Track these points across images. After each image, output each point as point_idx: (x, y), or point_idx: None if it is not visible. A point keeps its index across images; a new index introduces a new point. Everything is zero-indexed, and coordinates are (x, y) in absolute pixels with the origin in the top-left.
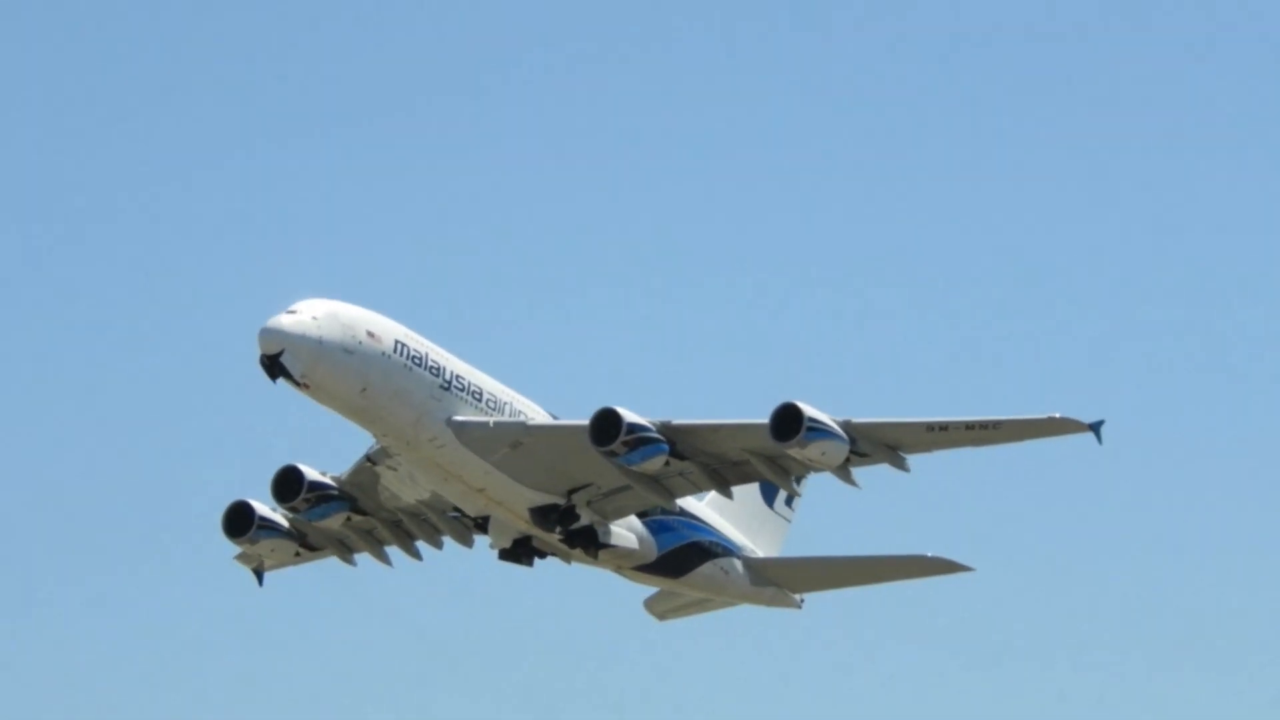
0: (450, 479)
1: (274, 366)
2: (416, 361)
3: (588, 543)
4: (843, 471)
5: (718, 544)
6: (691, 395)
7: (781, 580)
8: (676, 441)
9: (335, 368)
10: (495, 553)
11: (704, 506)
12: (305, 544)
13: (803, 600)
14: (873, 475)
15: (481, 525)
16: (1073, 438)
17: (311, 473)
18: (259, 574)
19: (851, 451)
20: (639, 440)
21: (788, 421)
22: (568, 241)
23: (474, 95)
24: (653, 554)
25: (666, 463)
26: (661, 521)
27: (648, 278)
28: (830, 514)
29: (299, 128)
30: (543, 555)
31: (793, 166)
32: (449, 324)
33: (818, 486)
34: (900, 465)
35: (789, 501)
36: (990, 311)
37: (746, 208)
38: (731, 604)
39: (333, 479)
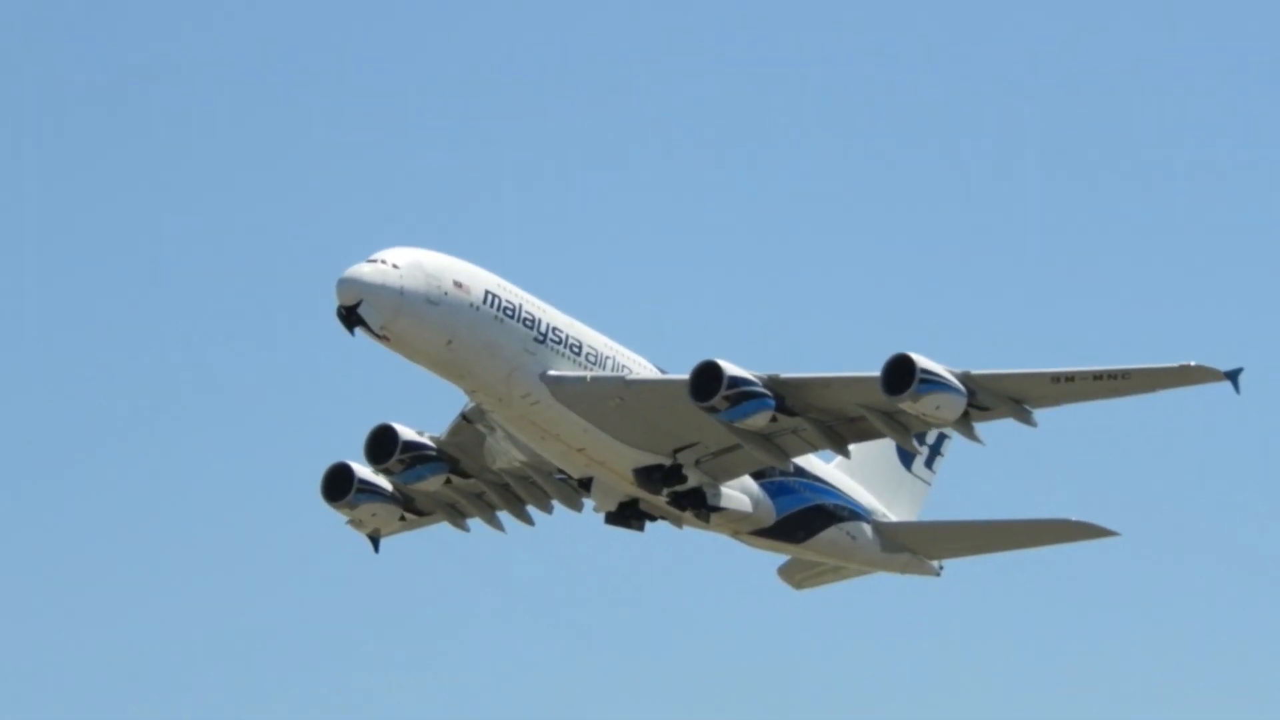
0: (548, 438)
1: (351, 318)
2: (509, 313)
3: (697, 505)
4: (963, 426)
5: (844, 507)
6: (805, 353)
7: (915, 546)
8: (785, 396)
9: (418, 319)
10: (601, 517)
11: (831, 469)
12: (412, 509)
13: (941, 567)
14: (1010, 438)
15: (586, 487)
16: (1208, 389)
17: (407, 432)
18: (374, 540)
19: (971, 405)
20: (741, 395)
21: (899, 374)
22: (674, 198)
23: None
24: (771, 517)
25: (774, 419)
26: (781, 484)
27: (758, 234)
28: (970, 477)
29: (397, 74)
30: (652, 519)
31: (887, 119)
32: (551, 278)
33: (959, 450)
34: (1025, 419)
35: (929, 463)
36: (1112, 259)
37: (850, 161)
38: (867, 571)
39: (431, 439)
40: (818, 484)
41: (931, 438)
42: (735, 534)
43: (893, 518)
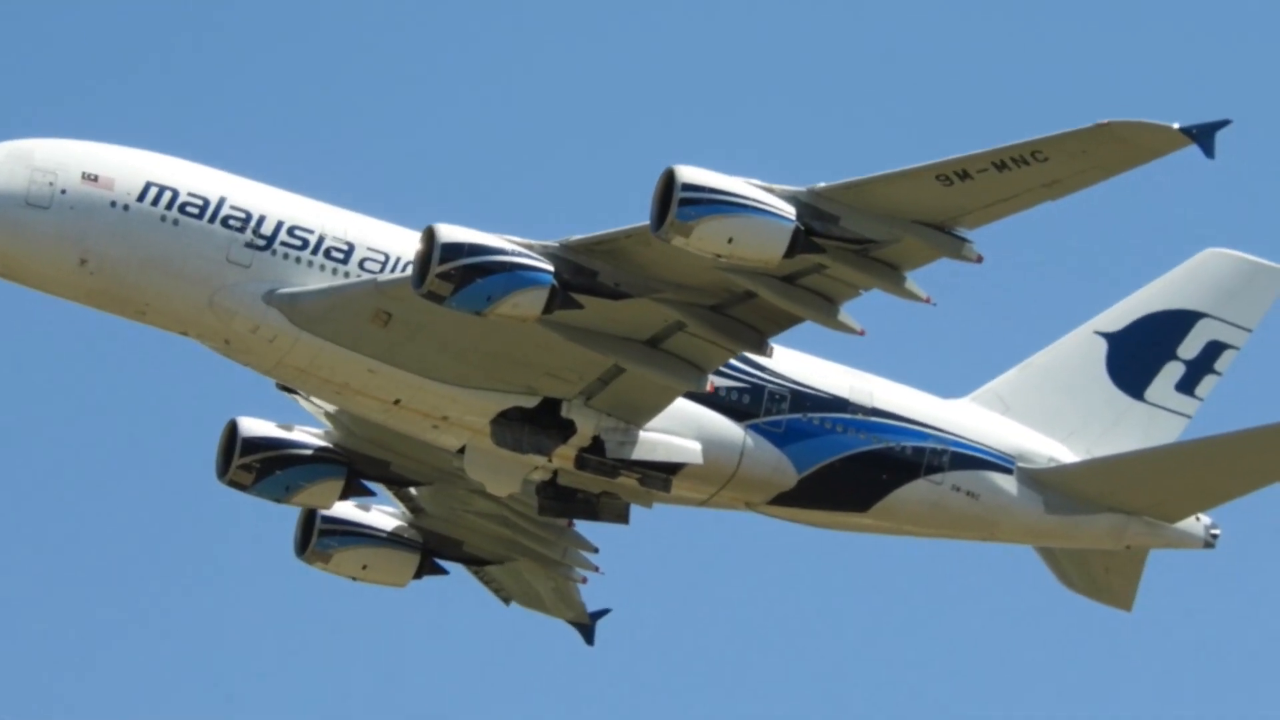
0: (345, 392)
1: None
2: (194, 210)
3: (602, 466)
4: (879, 277)
5: (940, 451)
6: None
7: (1114, 497)
8: (594, 269)
9: (19, 231)
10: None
11: (966, 403)
12: (458, 552)
13: (1214, 534)
14: None
15: None
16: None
17: (255, 426)
18: (585, 629)
19: (841, 240)
20: (469, 270)
21: (664, 198)
22: None
23: None
24: (788, 477)
25: (564, 300)
26: (795, 424)
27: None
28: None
29: None
30: (595, 500)
31: None
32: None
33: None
34: (956, 252)
35: (1186, 385)
36: None
37: None
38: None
39: (317, 433)
40: (879, 421)
41: (1191, 350)
42: (750, 507)
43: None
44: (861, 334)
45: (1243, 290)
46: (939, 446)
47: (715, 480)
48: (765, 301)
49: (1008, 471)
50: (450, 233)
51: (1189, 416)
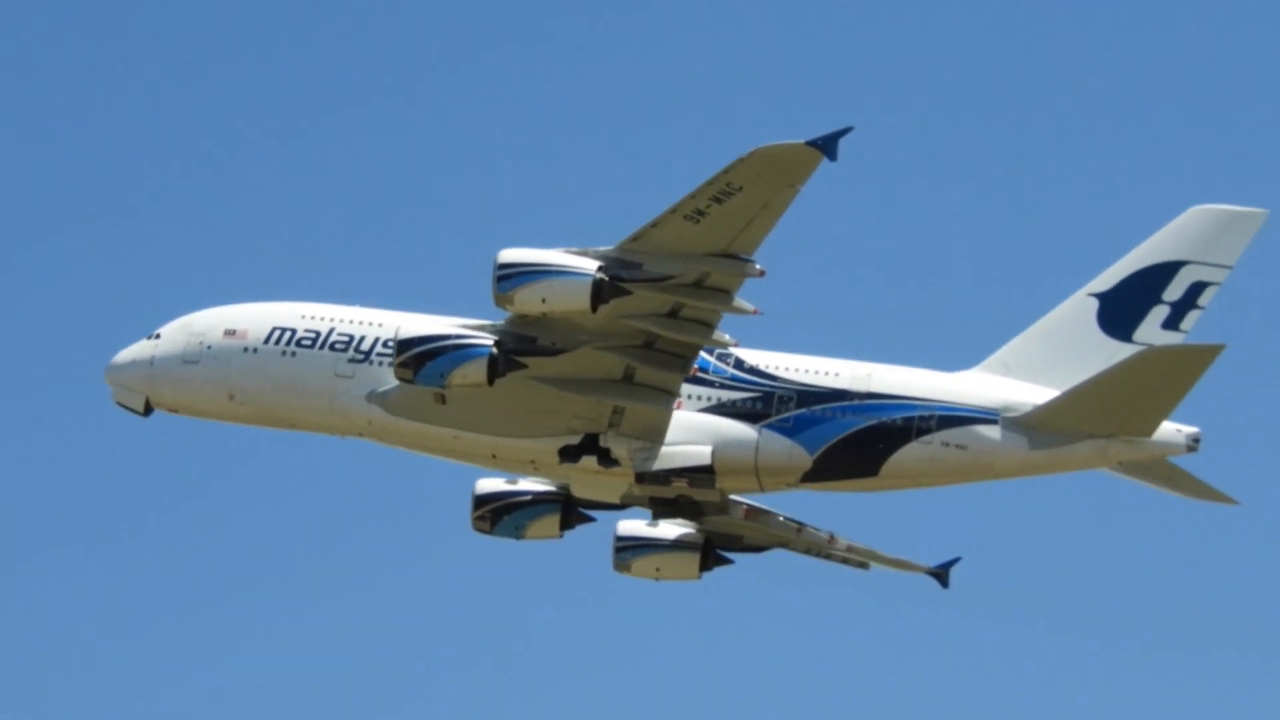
0: (461, 457)
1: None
2: (308, 342)
3: (652, 477)
4: (699, 299)
5: (928, 416)
6: None
7: (1089, 425)
8: (534, 335)
9: (178, 384)
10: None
11: (972, 373)
12: (738, 545)
13: (1195, 438)
14: None
15: None
16: None
17: (487, 485)
18: (939, 576)
19: (627, 280)
20: (421, 356)
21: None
22: None
23: None
24: (803, 458)
25: (497, 365)
26: (801, 417)
27: None
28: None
29: None
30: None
31: None
32: None
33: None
34: (742, 271)
35: (1172, 322)
36: None
37: None
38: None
39: (543, 482)
40: (874, 402)
41: (1175, 293)
42: (790, 486)
43: None
44: (735, 345)
45: (1223, 235)
46: (926, 413)
47: (746, 471)
48: (665, 335)
49: (993, 422)
50: (406, 329)
51: None
